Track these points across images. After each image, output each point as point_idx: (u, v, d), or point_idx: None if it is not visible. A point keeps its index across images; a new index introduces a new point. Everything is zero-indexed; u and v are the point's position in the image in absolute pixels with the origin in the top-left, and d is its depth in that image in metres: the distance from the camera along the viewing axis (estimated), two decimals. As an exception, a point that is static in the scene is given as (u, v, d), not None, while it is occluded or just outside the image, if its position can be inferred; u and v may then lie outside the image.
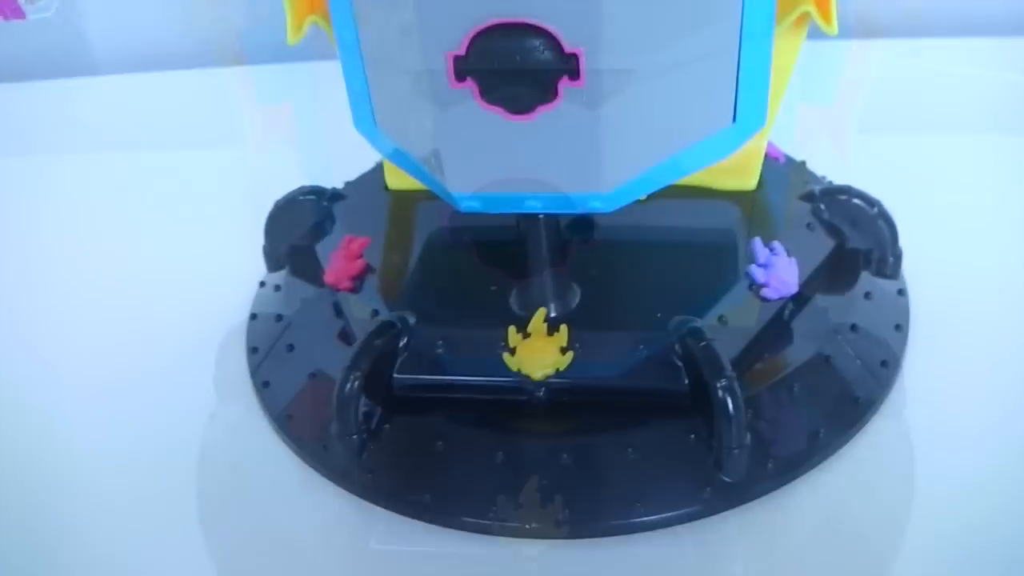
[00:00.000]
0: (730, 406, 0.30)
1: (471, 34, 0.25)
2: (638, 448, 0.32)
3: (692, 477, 0.32)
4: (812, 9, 0.33)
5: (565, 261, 0.34)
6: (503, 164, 0.28)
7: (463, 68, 0.26)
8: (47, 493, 0.36)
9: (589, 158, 0.27)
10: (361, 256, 0.39)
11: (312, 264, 0.41)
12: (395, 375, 0.34)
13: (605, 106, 0.26)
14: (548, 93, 0.26)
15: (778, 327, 0.36)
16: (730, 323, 0.34)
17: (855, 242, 0.39)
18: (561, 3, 0.25)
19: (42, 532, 0.35)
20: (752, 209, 0.40)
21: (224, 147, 0.61)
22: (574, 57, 0.25)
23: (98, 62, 0.78)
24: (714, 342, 0.31)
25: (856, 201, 0.39)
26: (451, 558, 0.32)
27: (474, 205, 0.29)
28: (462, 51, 0.26)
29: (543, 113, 0.26)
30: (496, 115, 0.27)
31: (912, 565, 0.30)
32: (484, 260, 0.38)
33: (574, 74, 0.26)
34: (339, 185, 0.45)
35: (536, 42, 0.25)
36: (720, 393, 0.30)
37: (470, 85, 0.26)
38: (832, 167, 0.46)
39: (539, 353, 0.32)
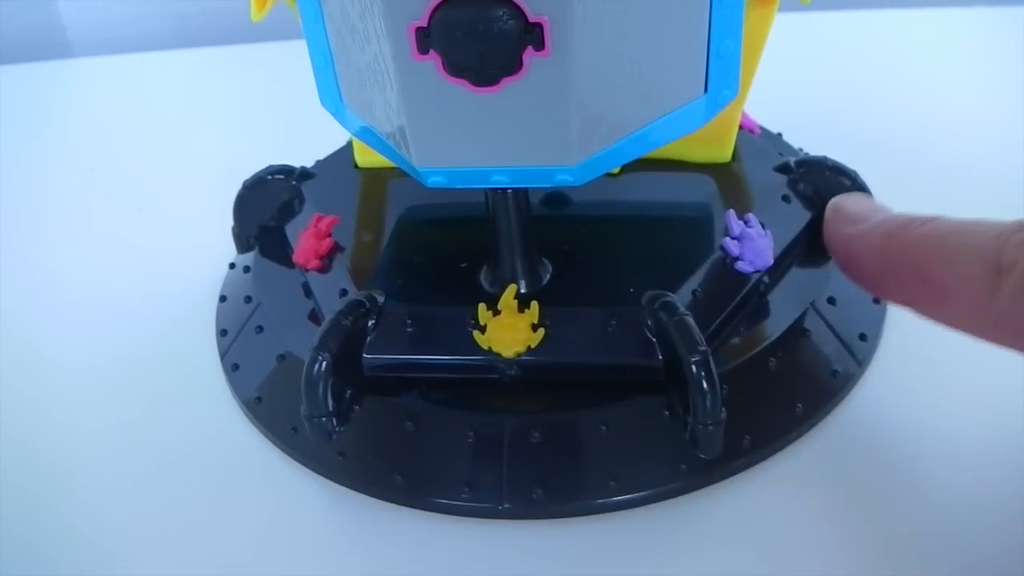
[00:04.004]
0: (704, 381, 0.29)
1: (433, 4, 0.25)
2: (612, 425, 0.32)
3: (667, 454, 0.32)
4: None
5: (536, 236, 0.34)
6: (469, 138, 0.27)
7: (425, 40, 0.25)
8: (11, 475, 0.36)
9: (555, 130, 0.27)
10: (330, 235, 0.38)
11: (281, 244, 0.41)
12: (364, 355, 0.33)
13: (571, 77, 0.26)
14: (513, 64, 0.25)
15: (753, 300, 0.35)
16: (704, 297, 0.33)
17: (832, 214, 0.38)
18: (524, -29, 0.24)
19: (5, 516, 0.34)
20: (726, 181, 0.39)
21: (193, 128, 0.60)
22: (539, 27, 0.25)
23: (72, 44, 0.77)
24: (688, 316, 0.31)
25: (833, 172, 0.38)
26: (424, 540, 0.32)
27: (440, 180, 0.29)
28: (424, 22, 0.25)
29: (508, 85, 0.26)
30: (461, 88, 0.26)
31: (891, 540, 0.30)
32: (454, 237, 0.38)
33: (539, 44, 0.25)
34: (308, 164, 0.44)
35: (499, 11, 0.25)
36: (694, 368, 0.29)
37: (433, 57, 0.26)
38: (808, 139, 0.46)
39: (510, 330, 0.32)
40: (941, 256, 0.28)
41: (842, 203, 0.35)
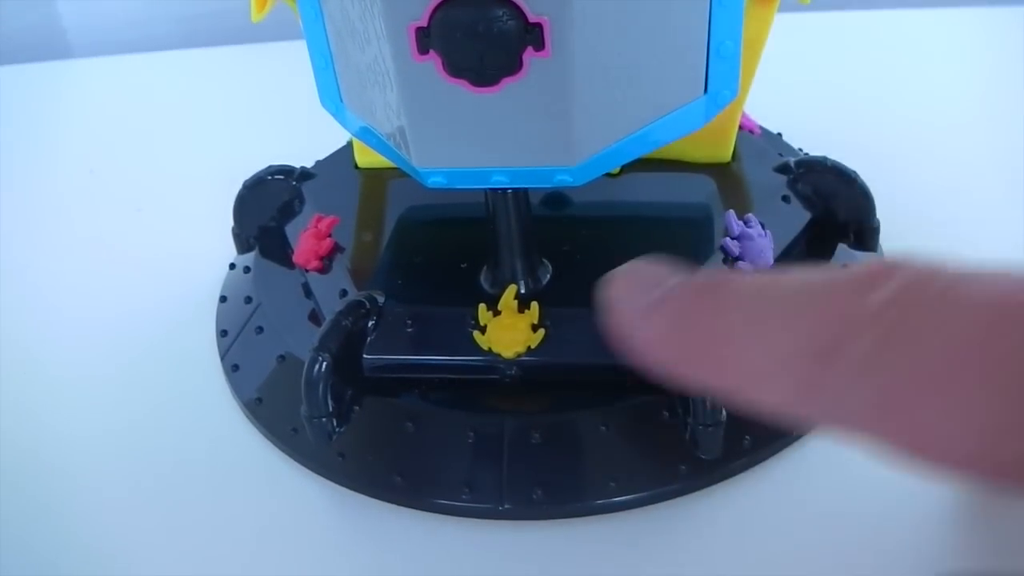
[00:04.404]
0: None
1: (433, 5, 0.25)
2: (612, 426, 0.32)
3: (667, 455, 0.32)
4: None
5: (536, 237, 0.34)
6: (469, 138, 0.27)
7: (425, 40, 0.25)
8: (9, 476, 0.36)
9: (555, 131, 0.27)
10: (330, 235, 0.38)
11: (281, 245, 0.41)
12: (364, 355, 0.33)
13: (571, 77, 0.26)
14: (513, 64, 0.25)
15: (753, 301, 0.35)
16: (704, 298, 0.33)
17: (832, 214, 0.38)
18: (524, -29, 0.24)
19: (6, 518, 0.34)
20: (726, 182, 0.39)
21: (193, 128, 0.60)
22: (539, 27, 0.25)
23: (72, 45, 0.77)
24: (688, 317, 0.31)
25: (833, 173, 0.38)
26: (424, 541, 0.32)
27: (440, 181, 0.29)
28: (424, 22, 0.25)
29: (508, 85, 0.26)
30: (461, 88, 0.26)
31: (893, 541, 0.30)
32: (454, 237, 0.38)
33: (539, 44, 0.25)
34: (308, 164, 0.44)
35: (499, 12, 0.25)
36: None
37: (433, 58, 0.26)
38: (808, 139, 0.46)
39: (510, 331, 0.32)
40: (742, 338, 0.21)
41: (617, 279, 0.26)
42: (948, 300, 0.17)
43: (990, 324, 0.16)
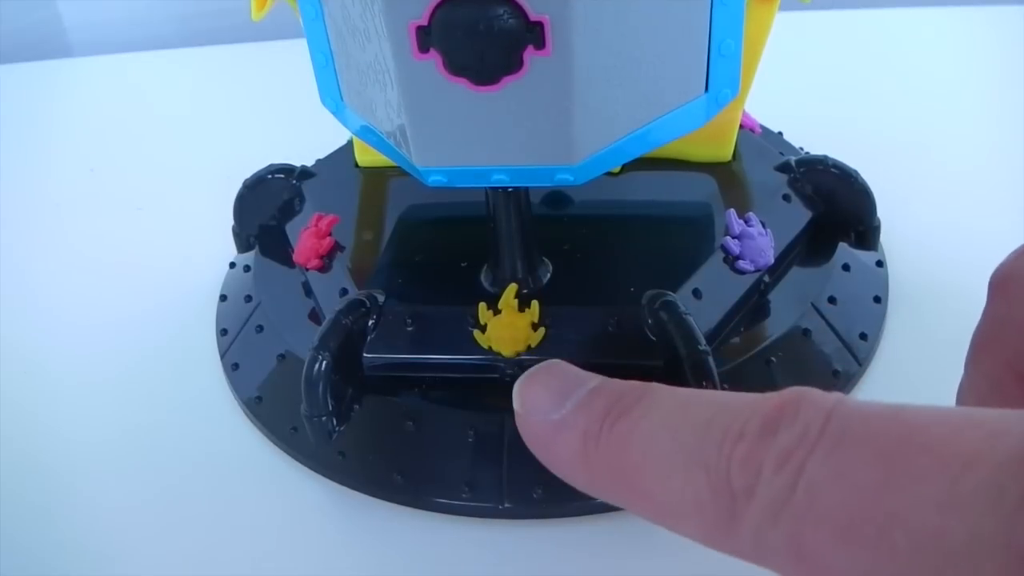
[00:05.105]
0: (705, 381, 0.29)
1: (433, 3, 0.25)
2: (612, 425, 0.32)
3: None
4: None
5: (536, 236, 0.34)
6: (469, 137, 0.27)
7: (426, 39, 0.25)
8: (11, 477, 0.36)
9: (556, 129, 0.26)
10: (330, 234, 0.38)
11: (282, 243, 0.41)
12: (364, 354, 0.33)
13: (572, 76, 0.25)
14: (513, 63, 0.25)
15: (754, 300, 0.35)
16: (705, 296, 0.33)
17: (833, 213, 0.38)
18: (525, -31, 0.24)
19: (5, 517, 0.34)
20: (727, 180, 0.39)
21: (193, 127, 0.60)
22: (539, 26, 0.25)
23: (72, 44, 0.77)
24: (688, 316, 0.31)
25: (834, 172, 0.38)
26: (424, 540, 0.32)
27: (441, 179, 0.28)
28: (424, 21, 0.25)
29: (509, 84, 0.26)
30: (461, 87, 0.26)
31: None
32: (454, 236, 0.38)
33: (540, 43, 0.25)
34: (309, 163, 0.44)
35: (500, 10, 0.24)
36: (694, 367, 0.29)
37: (433, 56, 0.26)
38: (809, 137, 0.46)
39: (510, 330, 0.32)
40: (656, 470, 0.21)
41: (524, 387, 0.25)
42: (846, 446, 0.17)
43: (880, 482, 0.16)
